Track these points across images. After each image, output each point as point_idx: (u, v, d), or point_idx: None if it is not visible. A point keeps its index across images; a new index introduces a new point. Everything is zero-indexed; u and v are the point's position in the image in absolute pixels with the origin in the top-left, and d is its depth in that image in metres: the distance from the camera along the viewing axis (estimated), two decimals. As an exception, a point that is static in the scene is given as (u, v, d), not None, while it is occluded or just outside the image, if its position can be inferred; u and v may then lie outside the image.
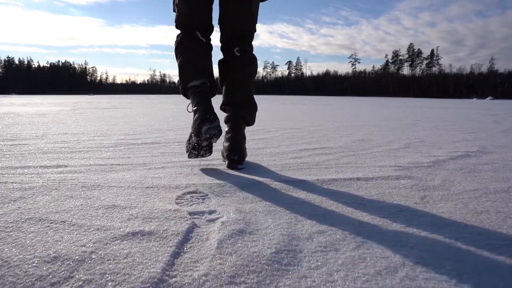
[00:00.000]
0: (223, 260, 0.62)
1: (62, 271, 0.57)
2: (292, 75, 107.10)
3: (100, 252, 0.64)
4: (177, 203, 0.95)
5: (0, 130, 2.77)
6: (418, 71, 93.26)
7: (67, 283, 0.54)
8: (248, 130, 2.34)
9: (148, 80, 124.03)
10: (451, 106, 11.59)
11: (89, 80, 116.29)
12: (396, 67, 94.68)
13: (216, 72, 1.69)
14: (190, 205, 0.94)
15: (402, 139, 2.46)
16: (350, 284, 0.56)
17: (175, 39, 1.53)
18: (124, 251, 0.65)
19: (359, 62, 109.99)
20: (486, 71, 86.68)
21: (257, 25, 1.59)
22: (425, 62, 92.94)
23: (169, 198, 0.99)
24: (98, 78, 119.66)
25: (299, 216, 0.87)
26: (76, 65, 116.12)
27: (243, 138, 1.53)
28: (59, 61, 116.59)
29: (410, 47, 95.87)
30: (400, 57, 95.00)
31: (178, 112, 5.87)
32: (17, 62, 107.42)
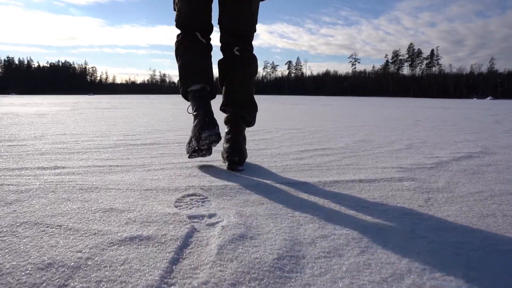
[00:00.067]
0: (223, 266, 0.60)
1: (57, 279, 0.55)
2: (292, 75, 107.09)
3: (96, 258, 0.62)
4: (176, 206, 0.93)
5: (-2, 130, 2.74)
6: (418, 71, 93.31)
7: (61, 292, 0.52)
8: (248, 131, 2.32)
9: (148, 80, 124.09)
10: (451, 106, 11.57)
11: (89, 80, 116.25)
12: (396, 67, 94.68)
13: (216, 72, 1.67)
14: (190, 208, 0.91)
15: (403, 140, 2.44)
16: (356, 293, 0.54)
17: (176, 39, 1.53)
18: (121, 257, 0.63)
19: (359, 62, 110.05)
20: (486, 71, 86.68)
21: (257, 25, 1.57)
22: (425, 62, 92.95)
23: (168, 201, 0.97)
24: (98, 78, 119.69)
25: (301, 219, 0.85)
26: (76, 65, 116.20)
27: (243, 139, 1.51)
28: (59, 61, 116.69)
29: (410, 47, 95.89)
30: (400, 57, 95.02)
31: (178, 112, 5.85)
32: (17, 62, 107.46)
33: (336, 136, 2.61)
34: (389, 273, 0.60)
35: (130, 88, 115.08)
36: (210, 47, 1.54)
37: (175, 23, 1.52)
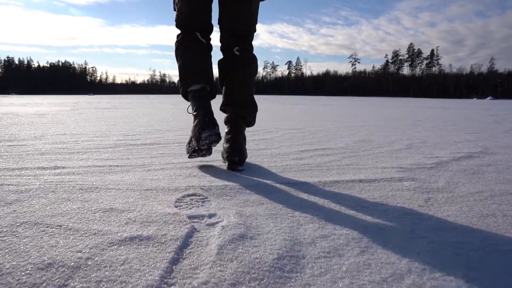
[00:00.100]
0: (223, 266, 0.60)
1: (57, 279, 0.55)
2: (292, 75, 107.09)
3: (96, 258, 0.62)
4: (176, 206, 0.93)
5: (-2, 130, 2.74)
6: (418, 71, 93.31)
7: (61, 292, 0.52)
8: (248, 131, 2.32)
9: (148, 80, 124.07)
10: (451, 106, 11.57)
11: (89, 80, 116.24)
12: (396, 67, 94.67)
13: (216, 72, 1.67)
14: (190, 208, 0.91)
15: (403, 140, 2.44)
16: (356, 293, 0.54)
17: (176, 39, 1.53)
18: (121, 257, 0.63)
19: (359, 62, 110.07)
20: (486, 71, 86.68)
21: (257, 25, 1.57)
22: (425, 62, 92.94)
23: (168, 201, 0.97)
24: (98, 78, 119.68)
25: (301, 219, 0.85)
26: (76, 65, 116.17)
27: (243, 139, 1.51)
28: (59, 61, 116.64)
29: (410, 47, 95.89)
30: (400, 57, 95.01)
31: (178, 112, 5.85)
32: (17, 62, 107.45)
33: (336, 136, 2.61)
34: (389, 273, 0.60)
35: (130, 88, 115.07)
36: (210, 47, 1.54)
37: (175, 23, 1.52)
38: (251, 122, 1.58)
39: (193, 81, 1.45)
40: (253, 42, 1.58)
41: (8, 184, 1.11)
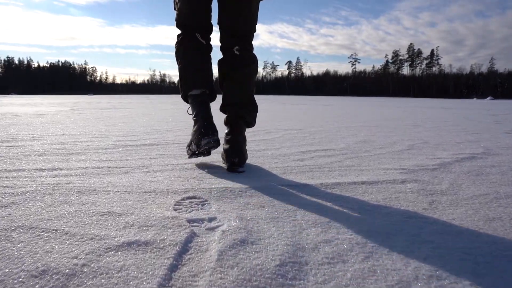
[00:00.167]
0: (223, 274, 0.58)
1: (51, 287, 0.53)
2: (292, 75, 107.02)
3: (92, 265, 0.60)
4: (175, 210, 0.91)
5: (-4, 131, 2.72)
6: (418, 71, 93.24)
7: (55, 301, 0.50)
8: (248, 131, 2.31)
9: (148, 80, 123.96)
10: (451, 106, 11.55)
11: (89, 80, 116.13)
12: (396, 67, 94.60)
13: (216, 72, 1.65)
14: (189, 212, 0.89)
15: (404, 140, 2.42)
16: (361, 301, 0.52)
17: (176, 40, 1.52)
18: (118, 263, 0.61)
19: (359, 62, 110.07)
20: (486, 71, 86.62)
21: (257, 25, 1.55)
22: (425, 62, 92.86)
23: (167, 204, 0.95)
24: (98, 78, 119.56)
25: (303, 223, 0.83)
26: (76, 65, 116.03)
27: (243, 140, 1.49)
28: (59, 61, 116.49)
29: (410, 47, 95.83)
30: (400, 57, 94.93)
31: (178, 112, 5.83)
32: (17, 62, 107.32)
33: (337, 137, 2.59)
34: (395, 280, 0.58)
35: (130, 88, 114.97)
36: (210, 48, 1.54)
37: (175, 22, 1.51)
38: (251, 122, 1.56)
39: (193, 86, 1.48)
40: (253, 42, 1.56)
41: (4, 186, 1.09)
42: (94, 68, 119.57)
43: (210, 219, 0.84)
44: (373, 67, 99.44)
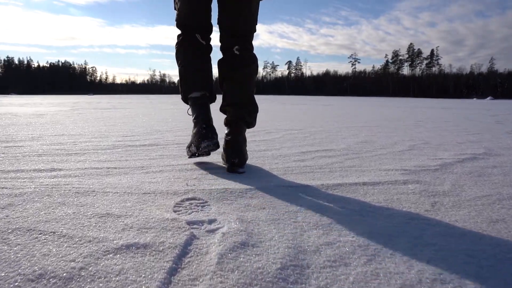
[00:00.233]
0: (224, 277, 0.57)
1: (48, 291, 0.52)
2: (292, 75, 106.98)
3: (90, 269, 0.59)
4: (175, 211, 0.90)
5: (-4, 131, 2.71)
6: (418, 71, 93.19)
7: (52, 306, 0.49)
8: (248, 132, 2.30)
9: (148, 80, 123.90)
10: (451, 106, 11.54)
11: (89, 80, 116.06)
12: (396, 67, 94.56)
13: (216, 72, 1.64)
14: (189, 214, 0.88)
15: (405, 141, 2.41)
16: (364, 306, 0.51)
17: (176, 40, 1.52)
18: (116, 267, 0.60)
19: (359, 62, 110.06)
20: (486, 71, 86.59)
21: (257, 25, 1.54)
22: (425, 62, 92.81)
23: (167, 206, 0.94)
24: (98, 78, 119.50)
25: (304, 225, 0.82)
26: (76, 65, 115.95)
27: (243, 140, 1.48)
28: (59, 61, 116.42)
29: (410, 47, 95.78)
30: (400, 57, 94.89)
31: (178, 112, 5.82)
32: (17, 62, 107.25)
33: (338, 137, 2.58)
34: (398, 283, 0.57)
35: (130, 88, 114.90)
36: (210, 48, 1.54)
37: (175, 22, 1.50)
38: (251, 123, 1.55)
39: (193, 88, 1.49)
40: (253, 42, 1.55)
41: (2, 187, 1.08)
42: (94, 68, 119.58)
43: (210, 221, 0.83)
44: (373, 67, 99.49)
